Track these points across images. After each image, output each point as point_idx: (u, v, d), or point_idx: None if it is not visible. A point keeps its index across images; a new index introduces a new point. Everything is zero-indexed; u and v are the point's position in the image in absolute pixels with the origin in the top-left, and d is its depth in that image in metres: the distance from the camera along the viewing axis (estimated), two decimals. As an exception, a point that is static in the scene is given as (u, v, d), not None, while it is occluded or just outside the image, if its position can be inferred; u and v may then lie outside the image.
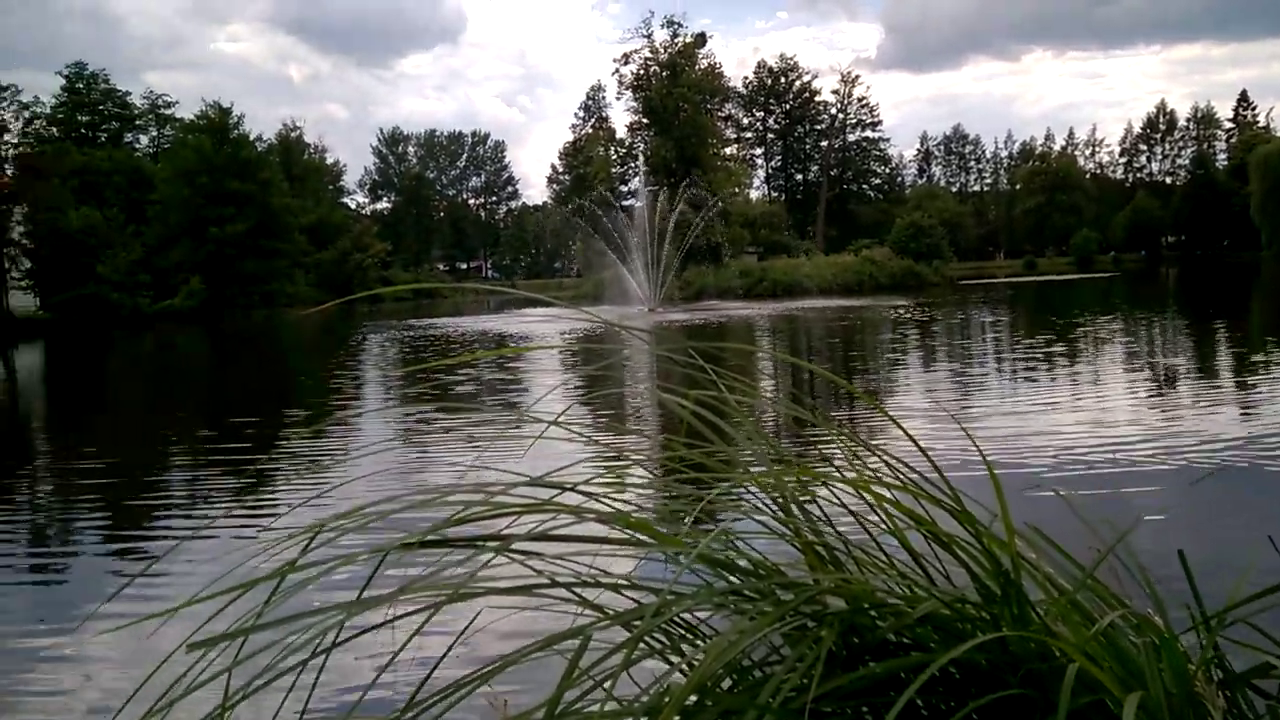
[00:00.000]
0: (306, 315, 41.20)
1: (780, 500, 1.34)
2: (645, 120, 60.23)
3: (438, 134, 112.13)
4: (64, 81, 73.80)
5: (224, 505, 7.12)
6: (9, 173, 49.50)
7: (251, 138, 64.29)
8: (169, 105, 78.64)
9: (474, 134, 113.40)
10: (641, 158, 55.92)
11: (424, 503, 1.28)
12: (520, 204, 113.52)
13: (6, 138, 50.06)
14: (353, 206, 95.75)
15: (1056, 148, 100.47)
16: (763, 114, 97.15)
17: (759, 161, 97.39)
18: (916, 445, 1.43)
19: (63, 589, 5.56)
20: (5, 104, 50.33)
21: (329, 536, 1.22)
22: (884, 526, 1.35)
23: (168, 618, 1.24)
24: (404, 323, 35.82)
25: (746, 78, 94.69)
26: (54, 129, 65.70)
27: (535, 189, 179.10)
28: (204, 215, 56.50)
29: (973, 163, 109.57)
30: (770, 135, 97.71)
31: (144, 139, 78.34)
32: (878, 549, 1.37)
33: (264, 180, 59.94)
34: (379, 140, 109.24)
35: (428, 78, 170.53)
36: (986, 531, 1.23)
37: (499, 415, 10.66)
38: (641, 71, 60.35)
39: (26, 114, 51.51)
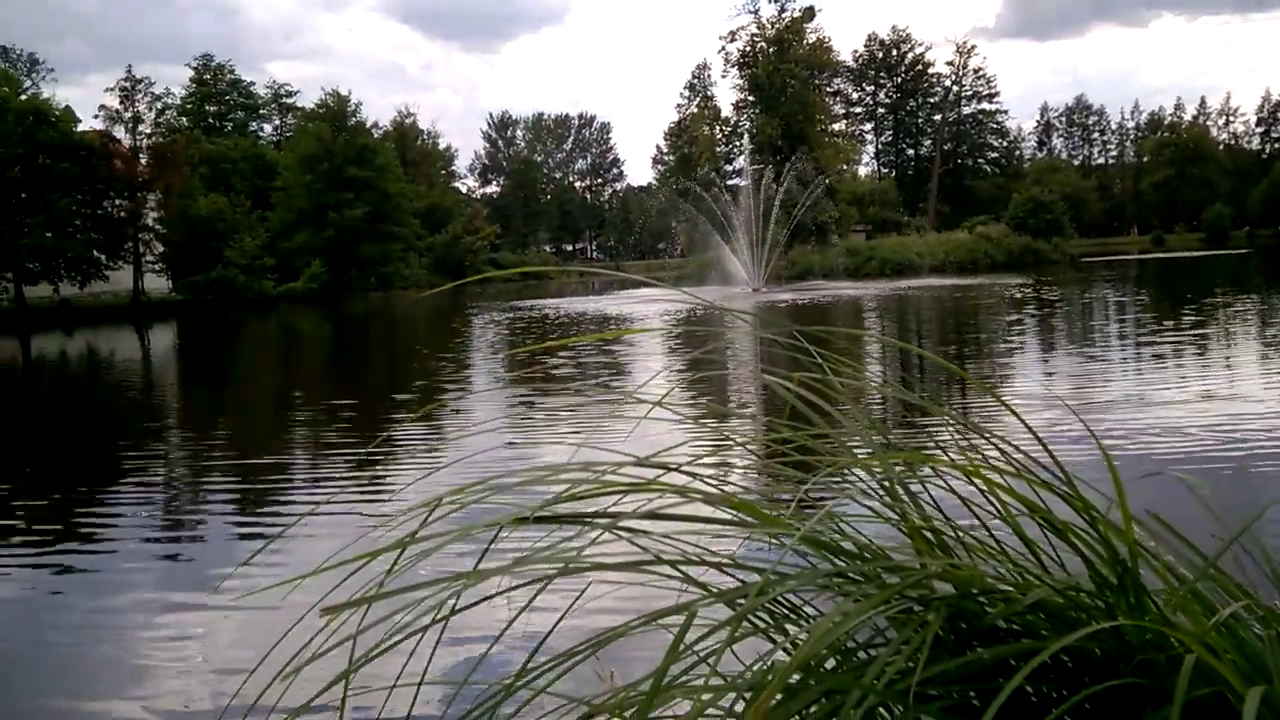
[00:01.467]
0: (423, 298, 42.31)
1: (886, 484, 1.34)
2: (751, 98, 59.56)
3: (545, 117, 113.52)
4: (192, 73, 77.71)
5: (343, 480, 7.44)
6: (144, 162, 52.28)
7: (368, 125, 66.40)
8: (291, 94, 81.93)
9: (580, 116, 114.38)
10: (747, 136, 55.41)
11: (535, 480, 1.32)
12: (625, 185, 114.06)
13: (141, 128, 52.71)
14: (464, 191, 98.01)
15: (1187, 118, 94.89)
16: (873, 88, 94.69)
17: (868, 137, 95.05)
18: (1028, 428, 1.40)
19: (191, 559, 5.91)
20: (140, 96, 52.92)
21: (446, 510, 1.27)
22: (994, 512, 1.33)
23: (297, 585, 1.31)
24: (511, 304, 36.50)
25: (856, 51, 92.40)
26: (184, 119, 69.14)
27: (640, 170, 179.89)
28: (324, 201, 58.70)
29: (1096, 134, 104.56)
30: (881, 110, 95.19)
31: (268, 128, 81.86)
32: (988, 535, 1.35)
33: (380, 166, 61.80)
34: (488, 125, 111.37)
35: (535, 61, 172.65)
36: (1103, 518, 1.20)
37: (603, 396, 10.79)
38: (748, 48, 59.67)
39: (159, 105, 54.23)
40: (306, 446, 9.66)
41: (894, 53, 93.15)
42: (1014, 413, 1.42)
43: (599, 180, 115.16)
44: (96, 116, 53.90)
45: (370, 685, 1.32)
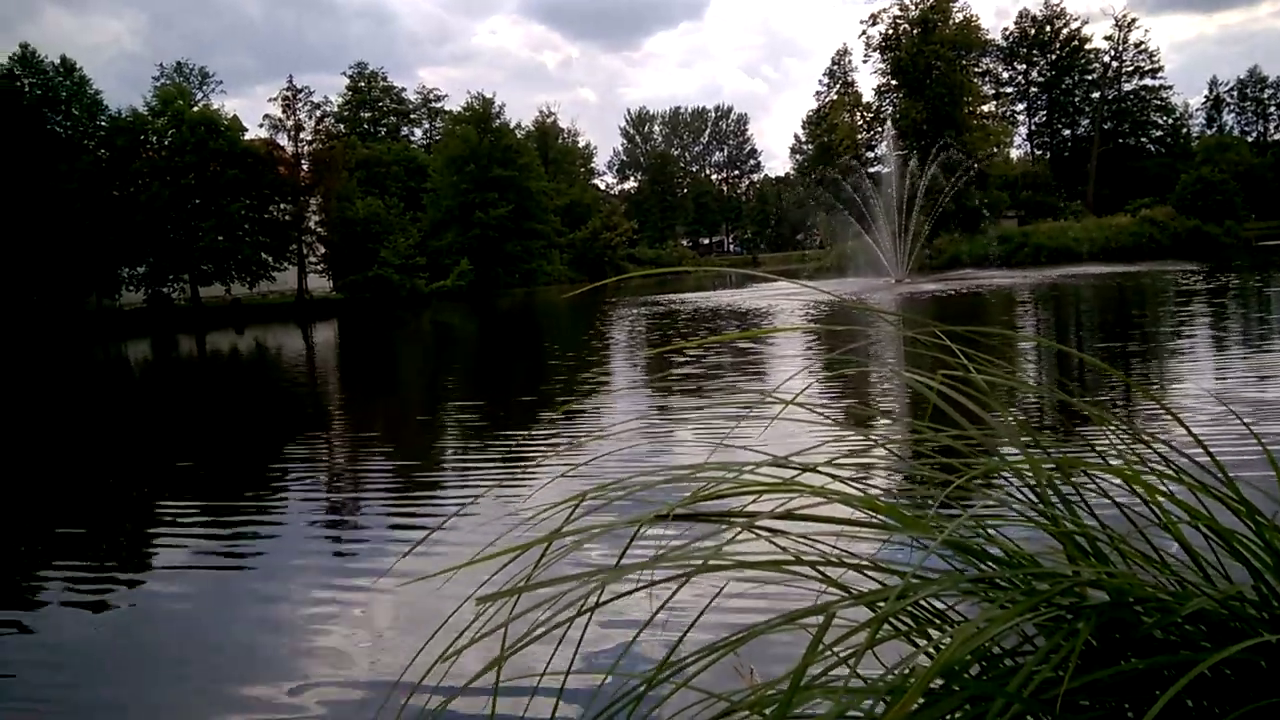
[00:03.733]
0: (568, 296, 43.17)
1: (1037, 488, 1.30)
2: (894, 81, 57.99)
3: (682, 111, 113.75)
4: (348, 81, 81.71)
5: (490, 474, 7.70)
6: (305, 167, 55.42)
7: (512, 126, 68.28)
8: (439, 99, 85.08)
9: (717, 108, 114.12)
10: (889, 121, 53.95)
11: (675, 479, 1.35)
12: (762, 176, 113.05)
13: (302, 135, 55.89)
14: (602, 187, 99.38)
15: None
16: (1025, 66, 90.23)
17: (1020, 118, 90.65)
18: (1189, 431, 1.33)
19: (348, 550, 6.24)
20: (301, 105, 56.13)
21: (592, 505, 1.32)
22: (1153, 519, 1.27)
23: (451, 575, 1.39)
24: (649, 299, 36.80)
25: (1007, 29, 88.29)
26: (341, 125, 72.81)
27: (778, 160, 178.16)
28: (471, 201, 60.82)
29: (1273, 109, 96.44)
30: (1034, 89, 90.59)
31: (418, 132, 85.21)
32: (1145, 542, 1.29)
33: (523, 166, 63.56)
34: (626, 121, 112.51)
35: (672, 55, 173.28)
36: (1270, 525, 1.14)
37: (740, 393, 10.76)
38: (890, 31, 58.06)
39: (318, 113, 57.38)
40: (456, 439, 10.04)
41: (1047, 29, 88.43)
42: (1174, 415, 1.35)
43: (736, 172, 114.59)
44: (261, 125, 57.66)
45: (518, 673, 1.38)
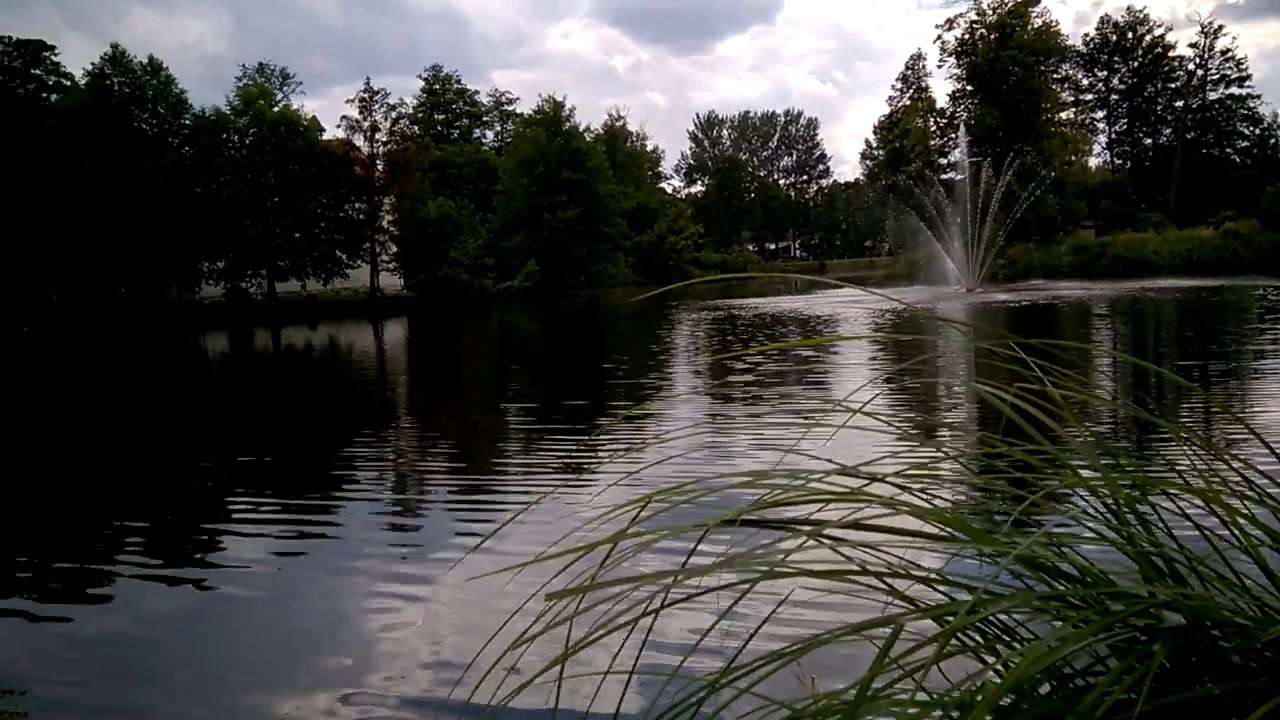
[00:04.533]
0: (635, 300, 43.32)
1: (1113, 506, 1.27)
2: (969, 87, 57.02)
3: (751, 115, 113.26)
4: (423, 83, 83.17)
5: (555, 473, 7.76)
6: (380, 168, 56.57)
7: (581, 128, 68.75)
8: (511, 101, 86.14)
9: (786, 113, 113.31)
10: (963, 128, 53.03)
11: (739, 484, 1.35)
12: (831, 182, 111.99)
13: (377, 136, 57.06)
14: (669, 191, 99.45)
15: None
16: (1105, 73, 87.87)
17: (1100, 126, 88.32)
18: (1272, 451, 1.29)
19: (415, 545, 6.35)
20: (377, 106, 57.26)
21: (658, 507, 1.33)
22: (1232, 541, 1.24)
23: (517, 571, 1.41)
24: (712, 302, 36.73)
25: (1087, 34, 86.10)
26: (415, 127, 74.12)
27: (847, 165, 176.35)
28: (540, 203, 61.44)
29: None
30: (1114, 96, 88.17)
31: (490, 134, 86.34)
32: (1223, 564, 1.26)
33: (592, 169, 63.99)
34: (695, 125, 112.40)
35: (742, 59, 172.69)
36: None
37: (802, 401, 10.68)
38: (966, 36, 57.13)
39: (393, 115, 58.49)
40: (518, 439, 10.14)
41: (1130, 35, 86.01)
42: (1257, 435, 1.31)
43: (804, 177, 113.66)
44: (339, 126, 58.93)
45: (579, 671, 1.39)
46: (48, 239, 47.37)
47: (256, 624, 4.80)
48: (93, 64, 51.84)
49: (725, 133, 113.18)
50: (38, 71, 53.78)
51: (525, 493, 6.98)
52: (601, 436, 9.28)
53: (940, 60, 60.22)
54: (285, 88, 58.00)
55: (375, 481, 8.26)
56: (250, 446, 10.43)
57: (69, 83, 53.22)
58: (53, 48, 54.14)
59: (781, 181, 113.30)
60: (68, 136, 47.93)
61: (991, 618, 1.23)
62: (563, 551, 1.31)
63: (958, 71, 58.01)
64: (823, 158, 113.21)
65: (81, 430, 12.82)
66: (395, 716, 3.58)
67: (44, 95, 53.40)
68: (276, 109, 53.41)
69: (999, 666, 1.09)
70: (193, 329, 42.66)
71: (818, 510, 1.30)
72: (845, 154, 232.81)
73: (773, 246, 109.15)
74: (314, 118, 54.56)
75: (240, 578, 5.53)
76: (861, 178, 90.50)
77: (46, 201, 47.24)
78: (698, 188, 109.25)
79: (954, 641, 1.17)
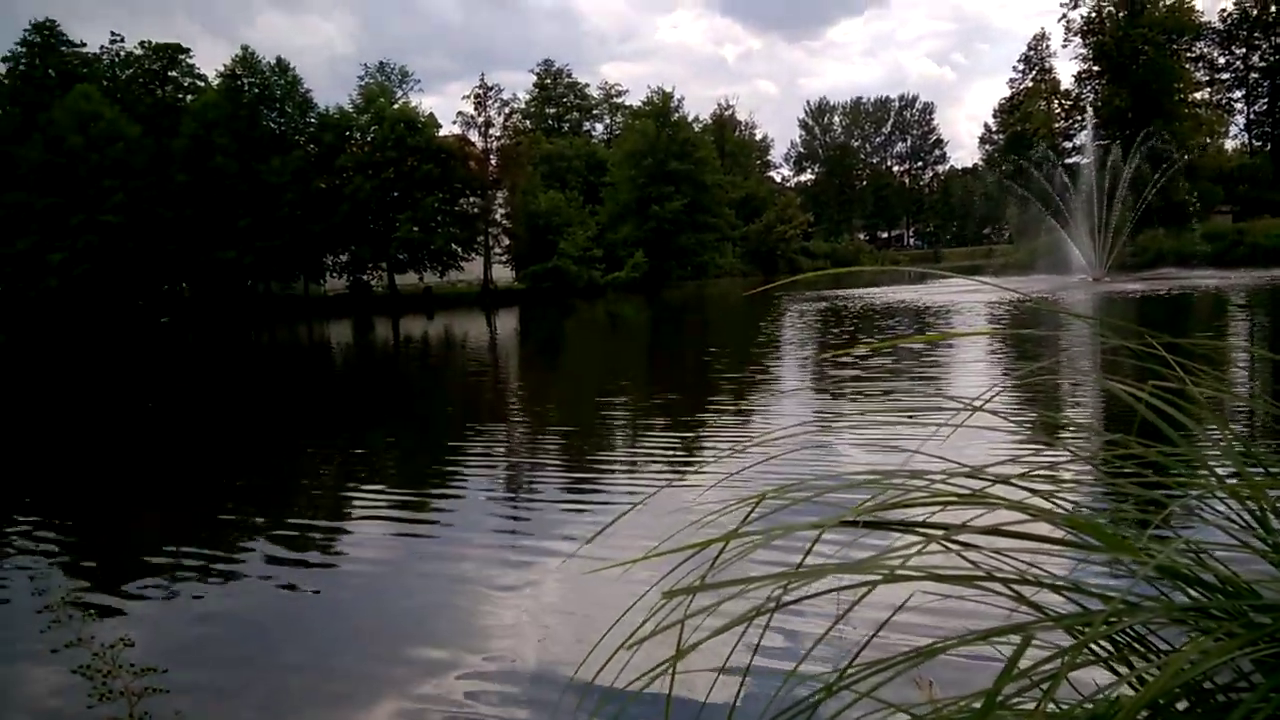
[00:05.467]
0: (746, 295, 43.06)
1: (1257, 512, 1.20)
2: (1096, 68, 54.46)
3: (864, 101, 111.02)
4: (535, 78, 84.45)
5: (661, 469, 7.79)
6: (493, 162, 57.76)
7: (690, 119, 68.65)
8: (620, 94, 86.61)
9: (901, 98, 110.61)
10: (1090, 110, 50.72)
11: (854, 484, 1.33)
12: (947, 168, 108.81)
13: (491, 131, 58.24)
14: (778, 180, 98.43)
15: None
16: (1245, 50, 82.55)
17: (1238, 106, 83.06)
18: None
19: (522, 539, 6.46)
20: (491, 102, 58.43)
21: (774, 503, 1.31)
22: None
23: (629, 566, 1.42)
24: (823, 293, 36.16)
25: (1224, 10, 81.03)
26: (527, 121, 75.37)
27: (964, 151, 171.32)
28: (647, 194, 61.66)
29: None
30: (1254, 75, 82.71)
31: (599, 127, 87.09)
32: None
33: (700, 159, 63.81)
34: (805, 112, 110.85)
35: (855, 44, 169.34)
36: None
37: (915, 398, 10.42)
38: (1093, 14, 54.57)
39: (506, 109, 59.58)
40: (626, 431, 10.22)
41: (1272, 9, 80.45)
42: None
43: (919, 164, 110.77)
44: (454, 122, 60.44)
45: (692, 669, 1.40)
46: (181, 234, 50.16)
47: (374, 609, 4.98)
48: (224, 65, 54.61)
49: (837, 119, 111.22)
50: (174, 74, 56.94)
51: (632, 489, 7.03)
52: (709, 431, 9.27)
53: (1065, 40, 58.13)
54: (404, 85, 59.81)
55: (486, 474, 8.44)
56: (363, 438, 10.81)
57: (203, 84, 56.15)
58: (188, 50, 57.33)
59: (895, 168, 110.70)
60: (200, 135, 50.58)
61: (1127, 628, 1.17)
62: (676, 548, 1.31)
63: (1084, 51, 55.52)
64: (939, 143, 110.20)
65: (219, 418, 13.54)
66: (520, 694, 3.66)
67: (179, 96, 56.50)
68: (396, 106, 55.06)
69: (1134, 680, 1.04)
70: (319, 318, 44.51)
71: (936, 512, 1.27)
72: (963, 139, 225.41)
73: (885, 235, 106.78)
74: (431, 114, 56.15)
75: (354, 567, 5.74)
76: (980, 163, 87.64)
77: (180, 198, 50.02)
78: (807, 176, 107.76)
79: (1085, 652, 1.13)
